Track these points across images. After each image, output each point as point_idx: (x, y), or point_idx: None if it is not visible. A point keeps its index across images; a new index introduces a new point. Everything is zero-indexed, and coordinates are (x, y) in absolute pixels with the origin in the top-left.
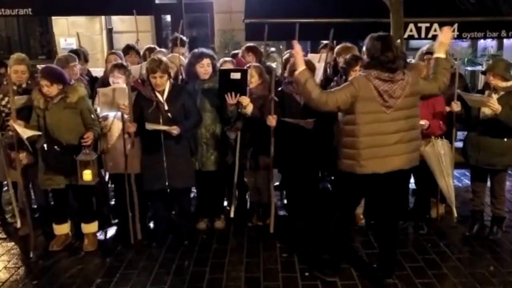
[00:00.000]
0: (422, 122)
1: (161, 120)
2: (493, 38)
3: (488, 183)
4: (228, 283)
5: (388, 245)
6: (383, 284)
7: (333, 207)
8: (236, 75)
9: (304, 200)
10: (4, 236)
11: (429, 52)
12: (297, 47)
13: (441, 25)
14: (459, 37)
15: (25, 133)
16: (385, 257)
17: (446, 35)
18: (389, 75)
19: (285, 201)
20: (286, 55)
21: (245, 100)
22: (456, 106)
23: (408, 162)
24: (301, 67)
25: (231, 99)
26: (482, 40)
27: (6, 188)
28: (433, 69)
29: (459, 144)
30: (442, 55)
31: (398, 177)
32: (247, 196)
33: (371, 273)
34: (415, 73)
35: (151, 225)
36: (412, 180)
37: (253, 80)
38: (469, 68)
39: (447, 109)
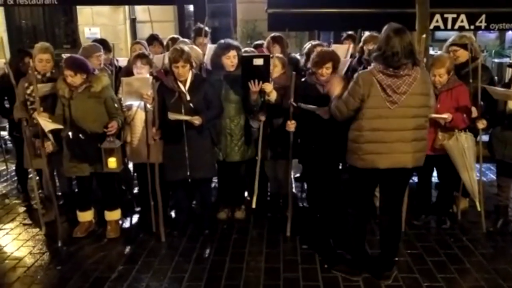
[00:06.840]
0: (445, 115)
1: (183, 110)
2: None
3: None
4: (248, 273)
5: (389, 239)
6: (383, 276)
7: (348, 203)
8: (258, 61)
9: (324, 191)
10: (30, 222)
11: (454, 44)
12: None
13: (468, 15)
14: (486, 28)
15: (48, 126)
16: (385, 250)
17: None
18: (393, 69)
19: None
20: (308, 45)
21: (269, 86)
22: (481, 124)
23: (411, 162)
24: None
25: (254, 86)
26: (510, 32)
27: (31, 175)
28: None
29: (484, 138)
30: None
31: (399, 174)
32: (268, 187)
33: (373, 266)
34: (427, 74)
35: (173, 214)
36: (434, 173)
37: (276, 70)
38: (496, 60)
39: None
